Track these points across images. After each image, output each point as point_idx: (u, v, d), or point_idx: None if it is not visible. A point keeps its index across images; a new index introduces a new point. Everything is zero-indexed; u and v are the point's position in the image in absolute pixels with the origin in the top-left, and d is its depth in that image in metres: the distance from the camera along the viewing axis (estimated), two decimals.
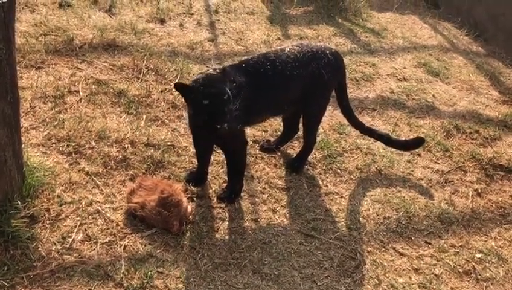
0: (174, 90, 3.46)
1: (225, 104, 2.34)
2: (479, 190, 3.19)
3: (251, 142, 3.16)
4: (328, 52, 2.81)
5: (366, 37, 4.89)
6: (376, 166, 3.21)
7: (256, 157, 3.07)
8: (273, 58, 2.67)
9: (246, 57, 2.75)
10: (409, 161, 3.32)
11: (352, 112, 3.12)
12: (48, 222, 2.37)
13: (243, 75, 2.55)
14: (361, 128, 3.16)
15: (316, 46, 2.83)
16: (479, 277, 2.60)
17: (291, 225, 2.68)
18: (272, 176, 2.96)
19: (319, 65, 2.76)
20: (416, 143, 3.18)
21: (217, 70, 2.50)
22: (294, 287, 2.36)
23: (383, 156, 3.30)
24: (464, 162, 3.40)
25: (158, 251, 2.37)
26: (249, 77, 2.57)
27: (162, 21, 4.36)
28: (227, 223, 2.61)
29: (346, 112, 3.09)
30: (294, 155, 3.11)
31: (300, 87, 2.74)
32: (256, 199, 2.79)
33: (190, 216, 2.57)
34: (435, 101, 4.04)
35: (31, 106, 3.04)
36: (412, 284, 2.50)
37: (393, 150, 3.37)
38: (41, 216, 2.38)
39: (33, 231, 2.30)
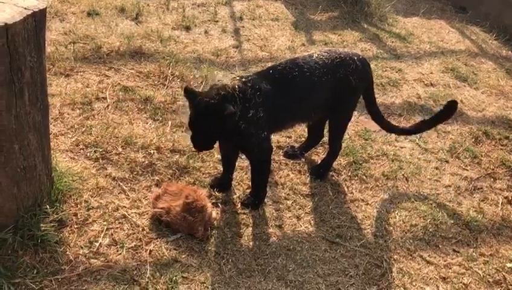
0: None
1: (223, 121, 2.37)
2: (510, 197, 3.11)
3: (275, 148, 3.15)
4: (356, 58, 2.79)
5: (392, 42, 4.84)
6: (403, 173, 3.16)
7: (280, 164, 3.07)
8: (302, 64, 2.66)
9: (274, 63, 2.76)
10: (436, 168, 3.26)
11: (383, 117, 3.08)
12: (75, 226, 2.41)
13: (269, 82, 2.55)
14: (396, 131, 3.12)
15: (344, 52, 2.81)
16: (510, 287, 2.53)
17: (316, 232, 2.66)
18: (296, 182, 2.95)
19: (347, 71, 2.74)
20: (450, 108, 2.93)
21: (243, 79, 2.52)
22: None
23: (410, 162, 3.25)
24: (493, 169, 3.32)
25: (183, 256, 2.39)
26: (276, 83, 2.56)
27: (188, 28, 4.41)
28: (251, 229, 2.61)
29: (377, 118, 3.05)
30: (319, 161, 3.09)
31: (329, 94, 2.73)
32: (281, 205, 2.78)
33: (215, 222, 2.57)
34: (463, 106, 3.97)
35: (60, 113, 3.10)
36: None
37: (420, 156, 3.32)
38: (69, 220, 2.42)
39: (61, 235, 2.34)
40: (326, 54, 2.76)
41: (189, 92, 2.45)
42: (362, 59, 2.84)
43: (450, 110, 2.95)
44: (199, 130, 2.47)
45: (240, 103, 2.42)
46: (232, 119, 2.39)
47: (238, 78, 2.56)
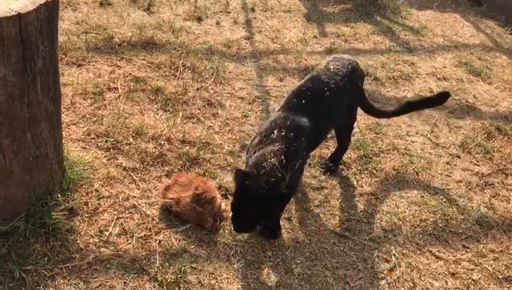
0: (210, 88, 3.49)
1: (276, 201, 2.28)
2: None
3: None
4: (356, 62, 2.81)
5: (405, 35, 4.79)
6: (413, 167, 3.14)
7: None
8: (326, 80, 2.58)
9: (297, 86, 2.61)
10: (447, 163, 3.24)
11: (373, 106, 3.07)
12: (86, 215, 2.43)
13: (305, 114, 2.44)
14: (387, 114, 3.12)
15: (348, 58, 2.79)
16: None
17: (325, 225, 2.66)
18: (306, 175, 2.94)
19: (357, 76, 2.76)
20: (441, 97, 2.98)
21: (282, 132, 2.35)
22: (326, 288, 2.34)
23: (421, 157, 3.23)
24: (505, 165, 3.29)
25: (192, 246, 2.40)
26: (312, 112, 2.46)
27: (199, 19, 4.40)
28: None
29: (370, 110, 3.04)
30: (329, 155, 3.08)
31: (348, 100, 2.72)
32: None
33: (224, 213, 2.58)
34: (475, 101, 3.92)
35: (71, 102, 3.12)
36: (449, 288, 2.43)
37: (431, 151, 3.30)
38: (80, 209, 2.44)
39: (72, 223, 2.36)
40: (338, 62, 2.70)
41: (239, 174, 2.26)
42: (357, 62, 2.85)
43: (439, 99, 3.00)
44: (247, 214, 2.27)
45: (287, 165, 2.27)
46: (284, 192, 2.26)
47: (277, 146, 2.30)
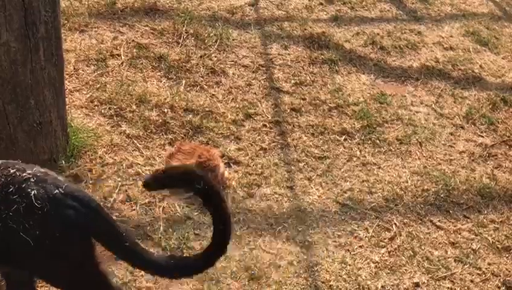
0: (213, 55, 3.46)
1: None
2: None
3: (288, 110, 3.15)
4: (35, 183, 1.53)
5: (413, 3, 4.70)
6: (417, 137, 3.14)
7: (293, 126, 3.06)
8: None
9: None
10: (451, 134, 3.23)
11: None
12: (90, 182, 2.46)
13: None
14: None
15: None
16: None
17: (327, 194, 2.68)
18: (309, 144, 2.95)
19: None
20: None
21: None
22: (327, 255, 2.37)
23: (425, 127, 3.22)
24: (509, 136, 3.28)
25: (195, 213, 2.43)
26: None
27: None
28: (263, 189, 2.63)
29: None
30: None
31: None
32: (292, 167, 2.79)
33: (227, 181, 2.60)
34: (482, 71, 3.88)
35: (74, 69, 3.11)
36: (448, 257, 2.47)
37: (435, 121, 3.29)
38: (84, 176, 2.46)
39: None
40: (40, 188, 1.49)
41: None
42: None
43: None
44: None
45: None
46: None
47: None
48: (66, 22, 3.44)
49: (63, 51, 2.32)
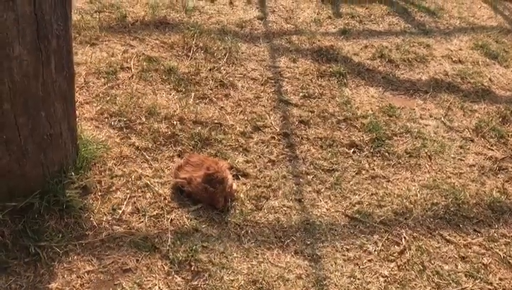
0: (222, 68, 3.48)
1: None
2: None
3: (297, 123, 3.15)
4: None
5: (421, 16, 4.71)
6: (426, 150, 3.12)
7: (302, 138, 3.06)
8: None
9: None
10: (460, 147, 3.21)
11: None
12: (99, 193, 2.47)
13: None
14: None
15: None
16: None
17: (336, 207, 2.67)
18: (318, 157, 2.94)
19: None
20: None
21: None
22: (336, 269, 2.36)
23: (434, 140, 3.20)
24: None
25: (203, 226, 2.43)
26: None
27: None
28: (271, 202, 2.63)
29: None
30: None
31: None
32: (301, 180, 2.79)
33: (235, 193, 2.60)
34: (491, 85, 3.87)
35: (85, 81, 3.14)
36: (458, 272, 2.44)
37: (445, 134, 3.27)
38: (94, 188, 2.47)
39: (85, 201, 2.40)
40: None
41: None
42: None
43: None
44: None
45: None
46: None
47: None
48: (78, 35, 3.49)
49: (74, 64, 2.34)
